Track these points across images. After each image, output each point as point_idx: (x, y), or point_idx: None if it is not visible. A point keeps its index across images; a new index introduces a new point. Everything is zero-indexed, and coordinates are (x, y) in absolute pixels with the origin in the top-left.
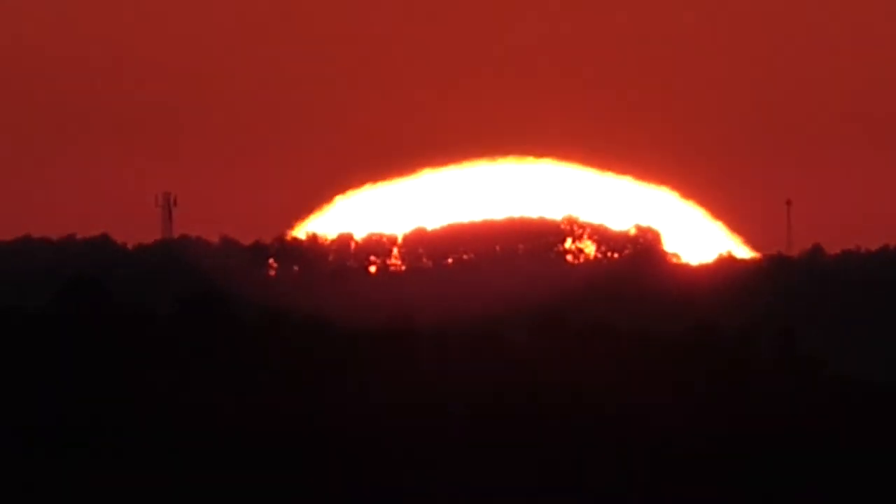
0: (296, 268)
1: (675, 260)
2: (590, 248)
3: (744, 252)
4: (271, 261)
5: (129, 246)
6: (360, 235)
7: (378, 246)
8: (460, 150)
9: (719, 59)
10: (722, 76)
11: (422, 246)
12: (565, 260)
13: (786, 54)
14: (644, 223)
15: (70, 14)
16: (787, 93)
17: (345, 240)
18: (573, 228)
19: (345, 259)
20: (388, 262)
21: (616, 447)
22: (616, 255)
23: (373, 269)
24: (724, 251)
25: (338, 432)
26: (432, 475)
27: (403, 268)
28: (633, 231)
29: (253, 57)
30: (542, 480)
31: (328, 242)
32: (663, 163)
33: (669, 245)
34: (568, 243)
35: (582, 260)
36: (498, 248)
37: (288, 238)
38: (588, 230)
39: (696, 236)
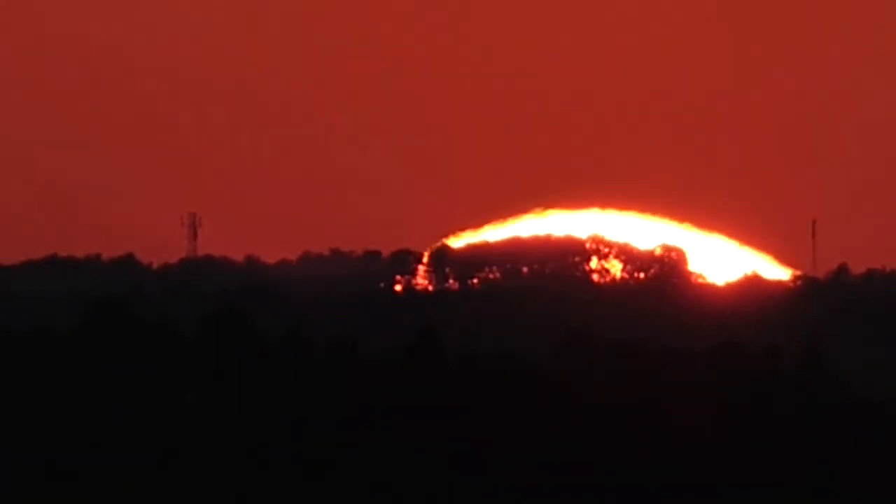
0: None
1: (700, 280)
2: (616, 267)
3: (769, 271)
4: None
5: (154, 266)
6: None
7: (403, 264)
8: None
9: (747, 78)
10: (748, 95)
11: (448, 265)
12: (591, 279)
13: (813, 74)
14: (670, 243)
15: (98, 37)
16: (812, 114)
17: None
18: (599, 248)
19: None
20: (414, 281)
21: (642, 465)
22: (642, 276)
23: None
24: (749, 270)
25: (359, 452)
26: (457, 493)
27: (430, 287)
28: (658, 251)
29: (275, 81)
30: (566, 497)
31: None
32: (689, 182)
33: (695, 265)
34: (594, 263)
35: (608, 280)
36: (525, 268)
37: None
38: (614, 249)
39: (722, 255)
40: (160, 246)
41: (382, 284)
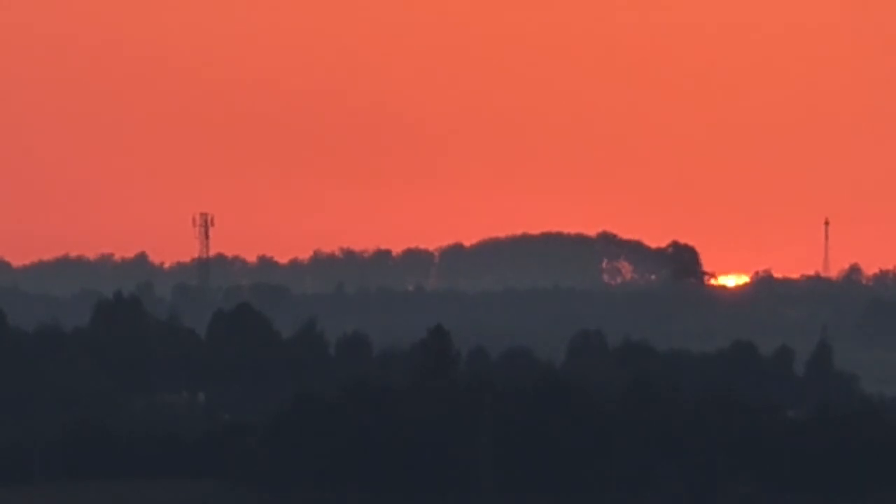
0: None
1: (712, 280)
2: (626, 267)
3: (781, 271)
4: None
5: (167, 265)
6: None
7: (415, 263)
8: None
9: (760, 79)
10: (761, 96)
11: (459, 263)
12: (602, 280)
13: (826, 72)
14: (681, 241)
15: (111, 38)
16: (825, 115)
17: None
18: (609, 247)
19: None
20: (426, 280)
21: (652, 463)
22: (653, 277)
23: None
24: (761, 270)
25: (372, 448)
26: (469, 489)
27: (440, 286)
28: (670, 250)
29: (287, 83)
30: (578, 490)
31: None
32: (702, 181)
33: (707, 264)
34: (604, 263)
35: (619, 280)
36: (535, 265)
37: None
38: (626, 249)
39: (734, 255)
40: (172, 246)
41: (393, 283)
